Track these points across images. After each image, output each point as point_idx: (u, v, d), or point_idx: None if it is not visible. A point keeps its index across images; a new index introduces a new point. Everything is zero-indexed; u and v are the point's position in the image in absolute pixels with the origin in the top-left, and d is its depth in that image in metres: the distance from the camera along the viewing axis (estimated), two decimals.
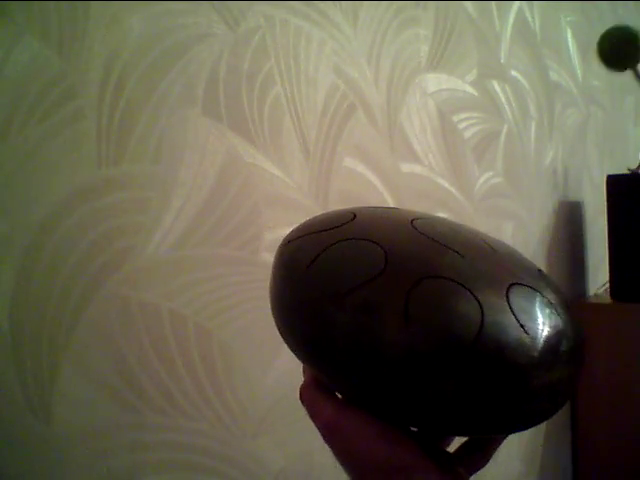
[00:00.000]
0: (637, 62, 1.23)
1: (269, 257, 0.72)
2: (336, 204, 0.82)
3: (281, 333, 0.36)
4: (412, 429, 0.33)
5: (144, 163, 0.59)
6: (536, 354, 0.29)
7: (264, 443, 0.71)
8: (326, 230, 0.36)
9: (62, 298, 0.52)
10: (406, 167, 0.98)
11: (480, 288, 0.31)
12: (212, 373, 0.65)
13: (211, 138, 0.66)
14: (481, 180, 1.20)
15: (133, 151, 0.58)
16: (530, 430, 1.33)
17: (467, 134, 1.16)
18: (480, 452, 0.36)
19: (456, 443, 0.39)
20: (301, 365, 0.38)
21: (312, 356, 0.33)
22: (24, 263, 0.50)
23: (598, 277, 1.84)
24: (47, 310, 0.51)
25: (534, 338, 0.30)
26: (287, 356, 0.72)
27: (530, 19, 1.45)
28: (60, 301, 0.52)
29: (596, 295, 1.69)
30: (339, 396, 0.35)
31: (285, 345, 0.60)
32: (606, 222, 1.48)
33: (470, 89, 1.18)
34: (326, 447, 0.34)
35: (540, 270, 0.36)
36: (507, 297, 0.31)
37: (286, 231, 0.74)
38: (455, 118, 1.12)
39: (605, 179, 1.47)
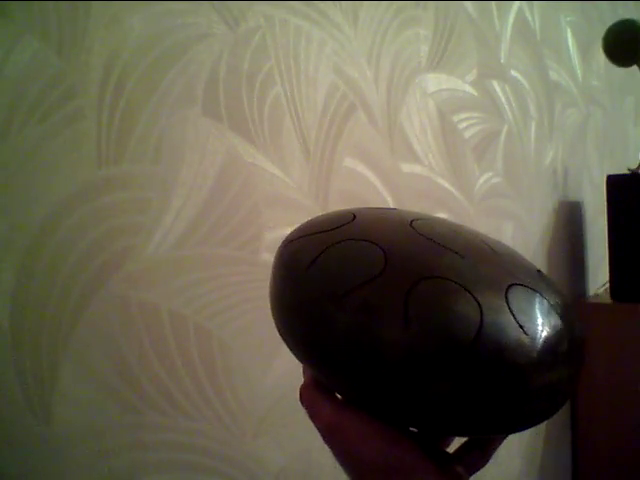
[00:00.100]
0: None
1: (269, 257, 0.72)
2: (336, 204, 0.82)
3: (281, 334, 0.36)
4: (411, 429, 0.33)
5: (144, 163, 0.59)
6: (535, 354, 0.29)
7: (264, 443, 0.71)
8: (326, 231, 0.36)
9: (62, 298, 0.52)
10: (406, 167, 0.98)
11: (479, 289, 0.31)
12: (212, 373, 0.65)
13: (211, 138, 0.66)
14: (481, 180, 1.20)
15: (133, 151, 0.58)
16: (530, 430, 1.33)
17: (467, 134, 1.16)
18: (480, 452, 0.36)
19: (456, 443, 0.39)
20: (301, 365, 0.38)
21: (311, 356, 0.33)
22: (24, 263, 0.50)
23: (598, 277, 1.84)
24: (47, 310, 0.51)
25: (533, 338, 0.30)
26: (287, 356, 0.73)
27: (530, 19, 1.45)
28: (60, 301, 0.52)
29: (596, 295, 1.69)
30: (339, 397, 0.35)
31: (285, 345, 0.60)
32: (606, 222, 1.48)
33: (470, 89, 1.18)
34: (326, 447, 0.34)
35: (539, 271, 0.36)
36: (506, 298, 0.31)
37: (286, 231, 0.74)
38: (455, 118, 1.12)
39: (605, 179, 1.47)
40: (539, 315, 0.31)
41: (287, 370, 0.73)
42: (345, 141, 0.85)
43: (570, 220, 1.66)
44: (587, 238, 1.79)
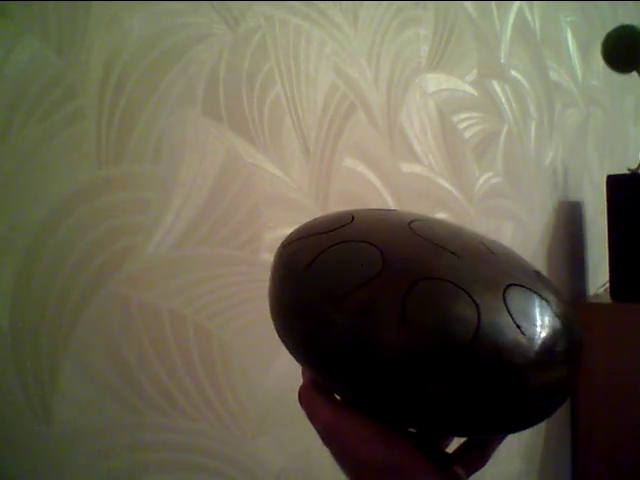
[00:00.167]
0: None
1: (269, 257, 0.72)
2: (336, 204, 0.82)
3: (279, 335, 0.36)
4: (410, 430, 0.33)
5: (144, 163, 0.59)
6: (533, 355, 0.30)
7: (264, 443, 0.71)
8: (324, 232, 0.36)
9: (62, 298, 0.52)
10: (406, 167, 0.98)
11: (477, 289, 0.31)
12: (212, 373, 0.65)
13: (211, 138, 0.66)
14: (481, 180, 1.20)
15: (133, 151, 0.58)
16: (530, 429, 1.33)
17: (467, 134, 1.16)
18: (479, 452, 0.36)
19: (455, 444, 0.39)
20: (300, 366, 0.38)
21: (309, 357, 0.33)
22: (24, 263, 0.50)
23: (598, 277, 1.84)
24: (47, 310, 0.51)
25: (531, 339, 0.30)
26: (287, 356, 0.73)
27: (530, 19, 1.45)
28: (60, 301, 0.52)
29: (596, 295, 1.69)
30: (337, 398, 0.35)
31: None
32: (606, 222, 1.48)
33: (470, 89, 1.18)
34: (325, 447, 0.35)
35: (537, 271, 0.36)
36: (504, 298, 0.31)
37: (286, 231, 0.74)
38: (455, 118, 1.12)
39: (605, 179, 1.47)
40: (537, 315, 0.31)
41: (287, 370, 0.74)
42: (345, 141, 0.85)
43: (570, 220, 1.66)
44: (587, 238, 1.79)
